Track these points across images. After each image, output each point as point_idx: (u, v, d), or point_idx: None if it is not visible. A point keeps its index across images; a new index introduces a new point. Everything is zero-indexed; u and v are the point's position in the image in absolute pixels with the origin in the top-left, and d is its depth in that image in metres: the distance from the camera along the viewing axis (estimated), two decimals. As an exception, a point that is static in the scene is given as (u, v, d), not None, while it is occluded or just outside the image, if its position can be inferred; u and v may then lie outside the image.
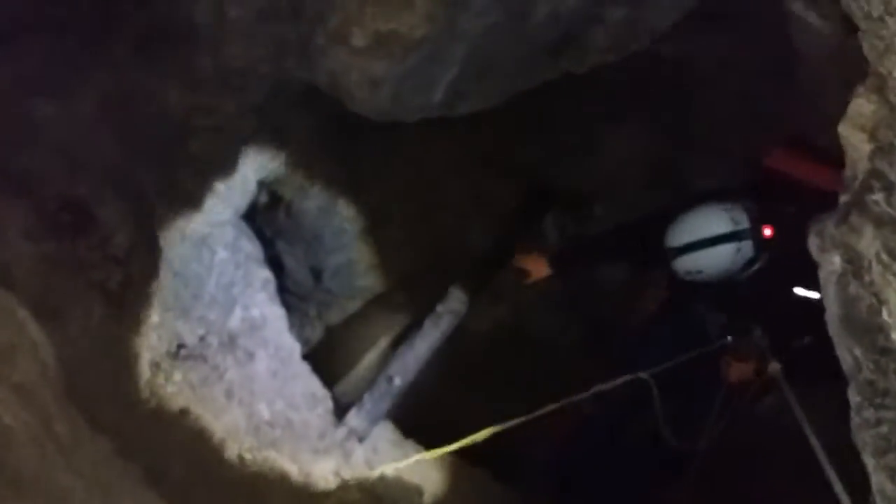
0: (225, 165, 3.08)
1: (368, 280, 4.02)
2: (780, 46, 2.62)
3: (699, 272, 2.89)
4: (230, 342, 3.21)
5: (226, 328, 3.22)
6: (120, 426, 2.38)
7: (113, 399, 2.59)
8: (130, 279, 2.78)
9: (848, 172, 1.67)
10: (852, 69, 1.68)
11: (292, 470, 2.94)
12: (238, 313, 3.32)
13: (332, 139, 3.57)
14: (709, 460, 3.24)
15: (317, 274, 4.03)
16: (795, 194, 2.85)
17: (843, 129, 1.63)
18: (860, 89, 1.64)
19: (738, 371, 3.07)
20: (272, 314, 3.47)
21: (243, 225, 3.49)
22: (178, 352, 2.99)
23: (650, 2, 2.59)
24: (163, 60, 2.75)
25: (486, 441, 3.30)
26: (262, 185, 3.51)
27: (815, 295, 2.72)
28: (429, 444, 3.49)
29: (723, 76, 3.47)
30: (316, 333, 4.09)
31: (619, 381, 2.88)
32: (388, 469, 3.04)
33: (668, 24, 2.64)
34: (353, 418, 3.29)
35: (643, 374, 2.94)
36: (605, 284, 4.03)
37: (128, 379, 2.72)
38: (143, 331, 2.84)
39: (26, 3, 2.59)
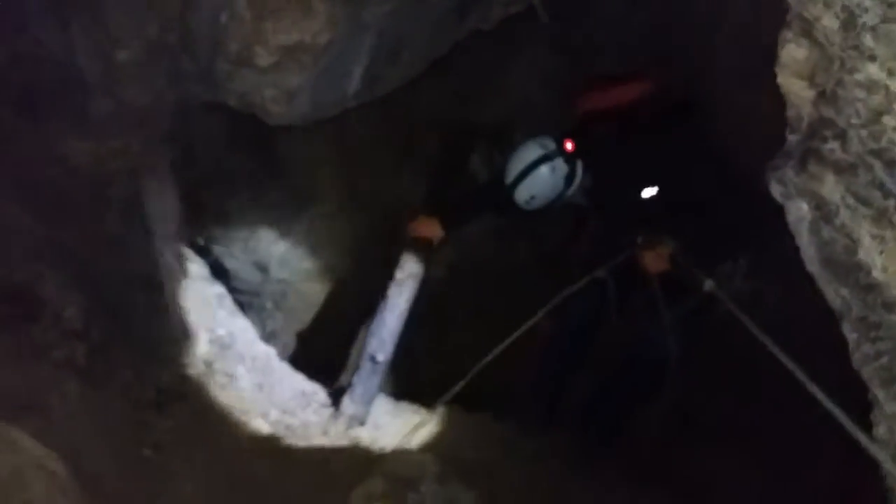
0: (149, 199, 2.95)
1: (317, 260, 3.98)
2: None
3: (533, 198, 3.21)
4: (208, 369, 3.17)
5: (199, 358, 3.17)
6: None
7: (122, 467, 2.57)
8: (95, 346, 2.70)
9: (793, 114, 1.72)
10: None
11: (310, 474, 2.98)
12: (205, 338, 3.26)
13: (246, 134, 3.44)
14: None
15: (262, 268, 3.97)
16: (611, 119, 3.28)
17: (783, 79, 1.67)
18: (788, 34, 1.67)
19: (652, 260, 3.21)
20: (238, 327, 3.43)
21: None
22: (161, 398, 2.94)
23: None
24: (53, 116, 2.58)
25: (473, 383, 3.45)
26: (185, 200, 3.40)
27: (653, 190, 3.26)
28: (424, 400, 3.62)
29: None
30: (277, 323, 4.07)
31: (581, 283, 3.24)
32: (399, 440, 3.10)
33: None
34: (349, 405, 3.33)
35: (600, 273, 3.32)
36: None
37: (127, 445, 2.69)
38: (123, 391, 2.78)
39: None
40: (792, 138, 1.74)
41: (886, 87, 1.49)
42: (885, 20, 1.50)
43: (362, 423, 3.32)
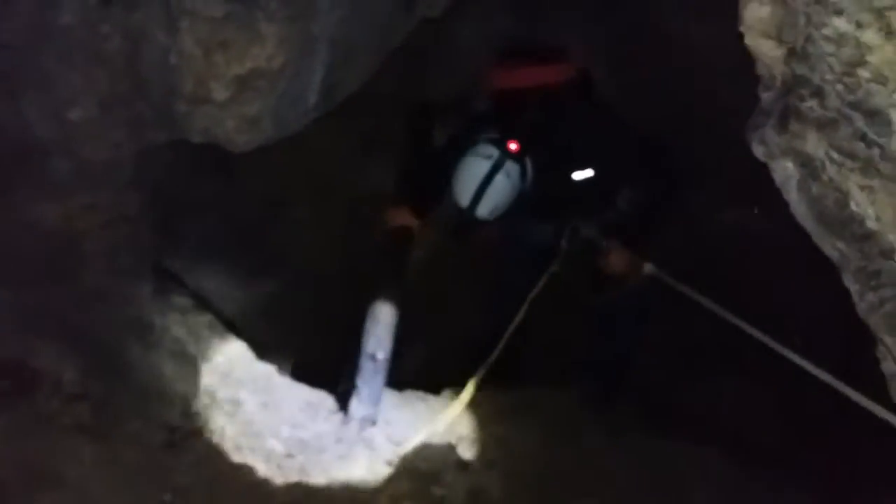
0: (125, 247, 2.90)
1: (297, 266, 3.96)
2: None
3: (496, 207, 3.16)
4: (212, 401, 3.15)
5: (202, 390, 3.15)
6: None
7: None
8: (98, 403, 2.68)
9: (763, 72, 1.73)
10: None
11: (333, 488, 3.00)
12: (204, 368, 3.24)
13: (209, 158, 3.36)
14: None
15: (244, 283, 3.94)
16: (527, 99, 3.19)
17: (750, 40, 1.67)
18: (749, -7, 1.67)
19: (616, 260, 3.24)
20: (233, 351, 3.40)
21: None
22: (173, 437, 2.93)
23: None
24: (15, 185, 2.52)
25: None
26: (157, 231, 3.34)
27: (588, 172, 3.24)
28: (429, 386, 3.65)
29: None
30: (269, 335, 4.04)
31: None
32: (416, 440, 3.13)
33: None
34: (358, 408, 3.33)
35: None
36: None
37: (146, 493, 2.68)
38: (135, 439, 2.76)
39: None
40: (766, 96, 1.76)
41: (856, 39, 1.51)
42: (845, -28, 1.51)
43: (374, 423, 3.33)
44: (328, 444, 3.24)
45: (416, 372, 3.85)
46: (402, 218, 3.54)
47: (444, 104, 4.08)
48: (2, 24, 2.17)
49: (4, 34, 2.13)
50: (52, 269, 2.65)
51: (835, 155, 1.58)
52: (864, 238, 1.58)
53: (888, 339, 1.60)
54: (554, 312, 3.53)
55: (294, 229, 3.95)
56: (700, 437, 3.25)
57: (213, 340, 3.39)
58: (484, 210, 3.14)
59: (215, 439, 3.02)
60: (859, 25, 1.49)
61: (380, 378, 3.44)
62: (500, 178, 3.08)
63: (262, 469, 2.99)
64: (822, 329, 3.29)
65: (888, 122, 1.50)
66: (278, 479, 2.96)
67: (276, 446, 3.13)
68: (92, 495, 2.50)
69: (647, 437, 3.30)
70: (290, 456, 3.11)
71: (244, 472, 2.91)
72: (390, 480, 2.95)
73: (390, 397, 3.59)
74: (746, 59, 1.82)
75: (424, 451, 3.06)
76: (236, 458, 2.99)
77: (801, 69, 1.60)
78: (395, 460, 3.05)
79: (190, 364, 3.22)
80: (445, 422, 3.22)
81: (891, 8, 1.43)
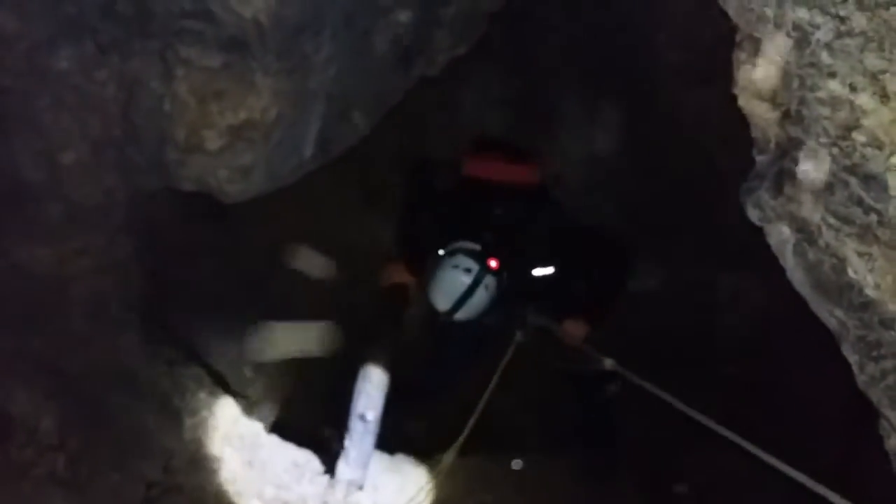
0: (114, 293, 2.85)
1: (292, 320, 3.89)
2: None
3: (474, 313, 3.32)
4: (195, 457, 3.06)
5: (185, 445, 3.06)
6: None
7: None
8: (74, 455, 2.60)
9: (758, 135, 1.70)
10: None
11: (317, 553, 2.90)
12: (188, 423, 3.16)
13: (203, 207, 3.35)
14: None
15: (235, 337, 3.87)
16: (494, 193, 3.35)
17: (744, 102, 1.65)
18: (741, 55, 1.65)
19: (574, 332, 3.31)
20: (220, 406, 3.32)
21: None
22: (152, 493, 2.83)
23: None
24: (5, 228, 2.49)
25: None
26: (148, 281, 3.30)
27: (549, 270, 3.37)
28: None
29: None
30: (258, 391, 3.96)
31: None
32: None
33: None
34: (345, 470, 3.23)
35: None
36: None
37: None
38: (112, 494, 2.67)
39: None
40: (761, 159, 1.72)
41: (850, 103, 1.48)
42: (839, 35, 1.48)
43: (360, 487, 3.22)
44: (313, 508, 3.15)
45: (409, 434, 3.76)
46: (398, 275, 3.52)
47: (444, 163, 4.08)
48: (-2, 66, 2.19)
49: (0, 76, 2.13)
50: (36, 312, 2.60)
51: (831, 220, 1.53)
52: (864, 307, 1.52)
53: (891, 414, 1.52)
54: (528, 385, 3.51)
55: (290, 283, 3.90)
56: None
57: (200, 394, 3.31)
58: (461, 315, 3.31)
59: (195, 497, 2.92)
60: (853, 89, 1.47)
61: (369, 439, 3.34)
62: (479, 292, 3.25)
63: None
64: (821, 404, 3.21)
65: (885, 188, 1.45)
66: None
67: (259, 508, 3.04)
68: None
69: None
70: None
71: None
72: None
73: (380, 461, 3.49)
74: (743, 124, 1.81)
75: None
76: (215, 516, 2.90)
77: (795, 131, 1.56)
78: (379, 527, 2.95)
79: (173, 418, 3.13)
80: (425, 490, 3.09)
81: (885, 71, 1.41)
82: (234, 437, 3.27)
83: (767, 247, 1.81)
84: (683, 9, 3.34)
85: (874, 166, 1.46)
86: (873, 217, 1.48)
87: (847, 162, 1.50)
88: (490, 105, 4.03)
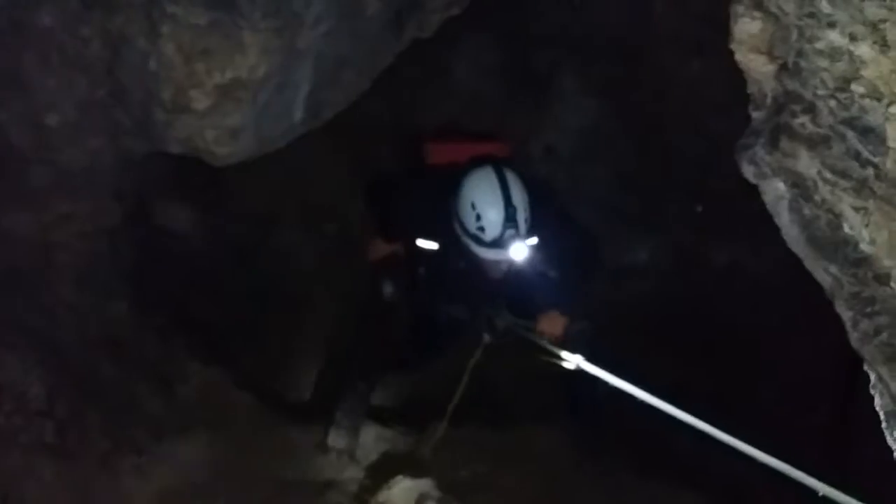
0: (102, 260, 2.82)
1: (285, 287, 3.87)
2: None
3: (525, 208, 2.96)
4: (186, 426, 3.05)
5: (177, 411, 3.05)
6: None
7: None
8: (63, 422, 2.58)
9: (754, 90, 1.67)
10: None
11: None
12: (180, 391, 3.14)
13: (195, 173, 3.30)
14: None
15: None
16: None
17: (741, 56, 1.62)
18: (739, 8, 1.62)
19: (552, 325, 3.11)
20: (209, 375, 3.30)
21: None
22: (144, 461, 2.82)
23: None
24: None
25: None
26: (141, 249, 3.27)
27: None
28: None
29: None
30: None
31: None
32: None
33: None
34: (336, 439, 3.24)
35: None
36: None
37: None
38: (102, 460, 2.66)
39: None
40: (757, 115, 1.69)
41: (850, 53, 1.45)
42: (839, -17, 1.45)
43: (352, 455, 3.21)
44: (305, 475, 3.14)
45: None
46: (375, 247, 3.48)
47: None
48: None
49: (-20, 35, 2.08)
50: (24, 279, 2.57)
51: (827, 174, 1.50)
52: (858, 262, 1.50)
53: (883, 370, 1.50)
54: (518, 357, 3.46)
55: (283, 251, 3.86)
56: (690, 484, 3.14)
57: (191, 363, 3.30)
58: (521, 216, 2.92)
59: (186, 465, 2.91)
60: (853, 38, 1.43)
61: (361, 408, 3.34)
62: (511, 178, 2.93)
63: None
64: (812, 369, 3.21)
65: (883, 140, 1.43)
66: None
67: (250, 475, 3.02)
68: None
69: (636, 481, 3.18)
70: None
71: (213, 502, 2.79)
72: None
73: (373, 430, 3.48)
74: (737, 91, 1.77)
75: (403, 485, 2.94)
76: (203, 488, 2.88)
77: (792, 85, 1.53)
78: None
79: (164, 386, 3.12)
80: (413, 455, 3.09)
81: (885, 20, 1.38)
82: (226, 405, 3.26)
83: (762, 214, 1.79)
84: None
85: (872, 118, 1.43)
86: (870, 171, 1.46)
87: (845, 114, 1.48)
88: (482, 72, 3.98)
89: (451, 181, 3.07)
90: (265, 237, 3.78)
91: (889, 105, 1.39)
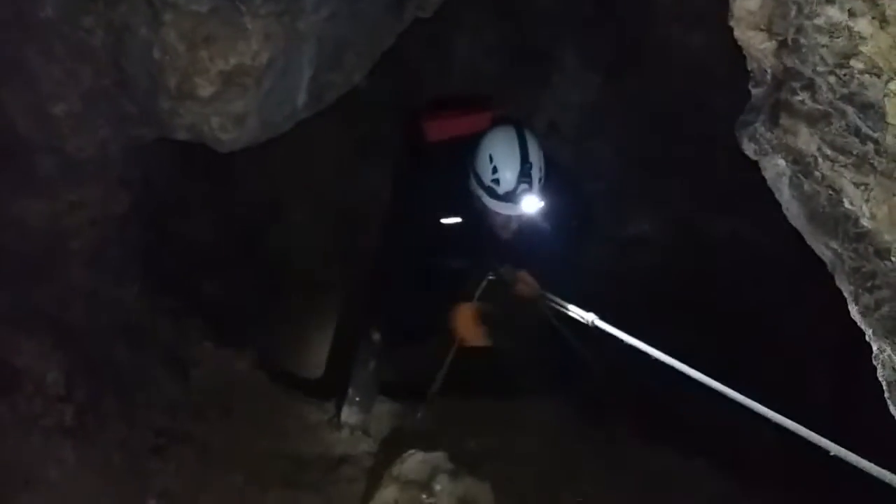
0: (113, 246, 2.86)
1: (292, 271, 3.91)
2: None
3: (539, 160, 3.01)
4: (202, 406, 3.10)
5: (191, 397, 3.10)
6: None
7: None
8: (82, 405, 2.63)
9: (754, 67, 1.68)
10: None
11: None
12: (194, 373, 3.20)
13: (200, 158, 3.32)
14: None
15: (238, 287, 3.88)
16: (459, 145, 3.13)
17: (740, 33, 1.62)
18: (738, -16, 1.62)
19: (525, 286, 3.13)
20: (223, 356, 3.36)
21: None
22: (160, 441, 2.88)
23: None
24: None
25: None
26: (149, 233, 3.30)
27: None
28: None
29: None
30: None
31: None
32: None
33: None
34: (349, 415, 3.30)
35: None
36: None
37: (130, 497, 2.63)
38: (120, 443, 2.71)
39: None
40: (757, 91, 1.70)
41: (849, 29, 1.45)
42: (837, -41, 1.45)
43: (365, 431, 3.27)
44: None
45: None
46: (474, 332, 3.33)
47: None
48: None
49: (-15, 29, 2.10)
50: (37, 267, 2.60)
51: (827, 150, 1.52)
52: (859, 237, 1.52)
53: (885, 343, 1.53)
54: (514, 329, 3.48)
55: (289, 233, 3.89)
56: (691, 450, 3.18)
57: (204, 344, 3.35)
58: (536, 170, 2.98)
59: (203, 445, 2.97)
60: (852, 14, 1.44)
61: (373, 384, 3.39)
62: (527, 134, 3.01)
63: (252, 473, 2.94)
64: (815, 339, 3.23)
65: (882, 116, 1.44)
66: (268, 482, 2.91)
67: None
68: (74, 497, 2.46)
69: (638, 447, 3.23)
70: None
71: (227, 479, 2.85)
72: (378, 489, 2.89)
73: (385, 405, 3.54)
74: (737, 66, 1.78)
75: (416, 458, 2.99)
76: (225, 462, 2.95)
77: (791, 61, 1.54)
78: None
79: (179, 368, 3.18)
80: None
81: (885, -5, 1.38)
82: (240, 385, 3.31)
83: (762, 187, 1.80)
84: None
85: (872, 94, 1.44)
86: (870, 146, 1.47)
87: (844, 91, 1.48)
88: (483, 50, 3.96)
89: (457, 156, 3.12)
90: (273, 219, 3.80)
91: (888, 81, 1.40)
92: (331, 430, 3.29)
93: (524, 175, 2.94)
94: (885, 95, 1.40)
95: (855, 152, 1.49)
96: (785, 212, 1.68)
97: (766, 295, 3.66)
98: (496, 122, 3.09)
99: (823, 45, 1.50)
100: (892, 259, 1.47)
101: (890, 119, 1.41)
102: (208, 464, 2.86)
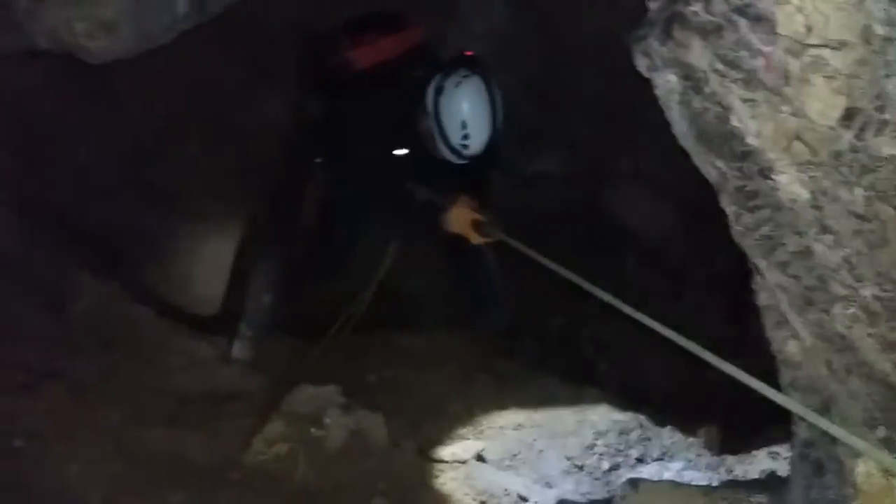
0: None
1: (185, 207, 3.71)
2: None
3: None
4: (77, 343, 2.93)
5: (72, 329, 2.92)
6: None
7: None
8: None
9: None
10: None
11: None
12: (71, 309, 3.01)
13: (77, 79, 3.06)
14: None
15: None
16: (402, 68, 3.05)
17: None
18: None
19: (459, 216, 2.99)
20: (107, 291, 3.17)
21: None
22: (31, 379, 2.69)
23: None
24: None
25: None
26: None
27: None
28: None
29: None
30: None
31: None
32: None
33: None
34: (240, 350, 3.23)
35: None
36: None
37: None
38: None
39: None
40: (654, 5, 1.64)
41: (740, -65, 1.40)
42: None
43: (257, 366, 3.18)
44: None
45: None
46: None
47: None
48: None
49: None
50: None
51: (718, 65, 1.47)
52: (744, 156, 1.49)
53: (762, 263, 1.52)
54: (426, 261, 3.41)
55: (180, 165, 3.67)
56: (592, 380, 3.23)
57: (84, 279, 3.15)
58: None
59: (75, 383, 2.80)
60: (746, -78, 1.38)
61: (266, 321, 3.29)
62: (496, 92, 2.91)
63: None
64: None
65: (773, 29, 1.40)
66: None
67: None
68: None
69: (536, 381, 3.25)
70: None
71: (102, 417, 2.70)
72: (267, 422, 2.79)
73: (277, 343, 3.43)
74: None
75: (306, 393, 2.90)
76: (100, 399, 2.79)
77: (687, -30, 1.48)
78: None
79: (56, 303, 2.98)
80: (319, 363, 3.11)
81: None
82: (123, 320, 3.15)
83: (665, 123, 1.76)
84: None
85: (764, 6, 1.40)
86: (760, 61, 1.43)
87: (738, 2, 1.44)
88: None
89: (400, 81, 2.98)
90: (160, 144, 3.56)
91: (780, -10, 1.35)
92: (221, 366, 3.18)
93: (492, 142, 2.92)
94: (776, 3, 1.35)
95: (745, 67, 1.45)
96: (673, 131, 1.64)
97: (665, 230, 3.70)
98: (459, 61, 2.97)
99: (717, -46, 1.44)
100: (774, 178, 1.45)
101: (780, 29, 1.37)
102: (82, 402, 2.70)
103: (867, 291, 1.42)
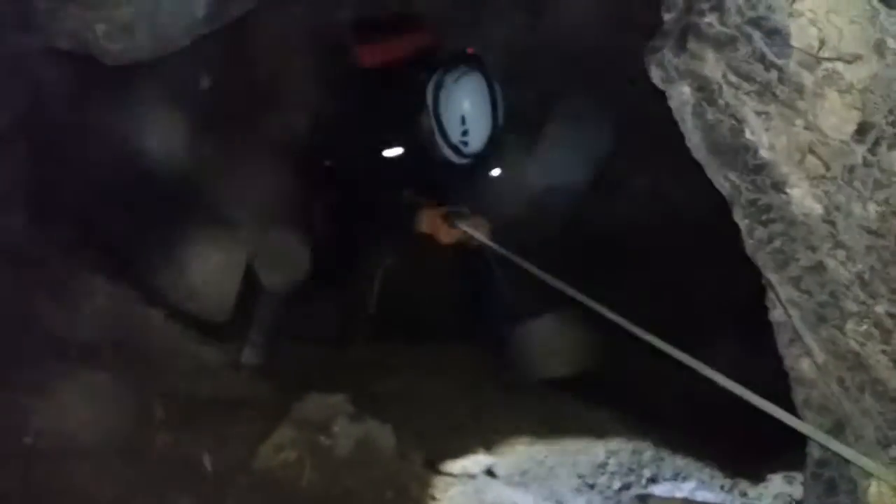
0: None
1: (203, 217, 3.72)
2: None
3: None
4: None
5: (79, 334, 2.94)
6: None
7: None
8: None
9: (664, -12, 1.61)
10: None
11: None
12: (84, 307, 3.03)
13: (93, 80, 3.09)
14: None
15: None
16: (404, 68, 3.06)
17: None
18: None
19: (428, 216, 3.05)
20: (116, 291, 3.19)
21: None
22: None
23: None
24: None
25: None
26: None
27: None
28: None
29: None
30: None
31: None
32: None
33: None
34: (250, 356, 3.23)
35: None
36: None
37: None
38: None
39: None
40: (669, 17, 1.64)
41: (756, -49, 1.40)
42: None
43: (266, 373, 3.18)
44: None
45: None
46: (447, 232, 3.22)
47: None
48: None
49: None
50: None
51: (732, 77, 1.47)
52: (758, 169, 1.48)
53: (773, 277, 1.50)
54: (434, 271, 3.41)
55: (202, 172, 3.68)
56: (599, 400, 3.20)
57: (97, 279, 3.17)
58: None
59: (89, 383, 2.81)
60: (761, -65, 1.38)
61: (275, 327, 3.30)
62: (496, 88, 2.96)
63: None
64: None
65: (787, 42, 1.39)
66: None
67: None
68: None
69: (544, 397, 3.23)
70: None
71: (116, 419, 2.70)
72: (275, 429, 2.79)
73: (287, 347, 3.44)
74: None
75: (316, 400, 2.90)
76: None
77: (702, -17, 1.47)
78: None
79: (68, 302, 3.00)
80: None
81: (794, -87, 1.32)
82: (135, 323, 3.16)
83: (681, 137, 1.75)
84: None
85: (778, 18, 1.39)
86: (774, 74, 1.43)
87: (752, 14, 1.43)
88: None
89: (401, 83, 2.99)
90: (175, 147, 3.58)
91: (793, 2, 1.34)
92: (230, 372, 3.18)
93: (493, 140, 2.91)
94: (789, 15, 1.35)
95: (759, 80, 1.45)
96: (687, 143, 1.63)
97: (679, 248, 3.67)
98: (460, 58, 2.96)
99: (732, -34, 1.44)
100: (787, 191, 1.44)
101: (794, 42, 1.36)
102: (93, 402, 2.71)
103: (880, 308, 1.40)
